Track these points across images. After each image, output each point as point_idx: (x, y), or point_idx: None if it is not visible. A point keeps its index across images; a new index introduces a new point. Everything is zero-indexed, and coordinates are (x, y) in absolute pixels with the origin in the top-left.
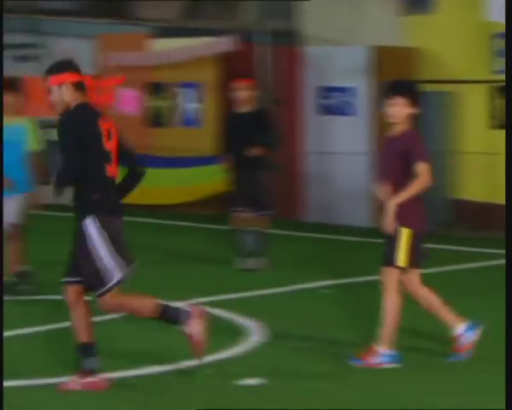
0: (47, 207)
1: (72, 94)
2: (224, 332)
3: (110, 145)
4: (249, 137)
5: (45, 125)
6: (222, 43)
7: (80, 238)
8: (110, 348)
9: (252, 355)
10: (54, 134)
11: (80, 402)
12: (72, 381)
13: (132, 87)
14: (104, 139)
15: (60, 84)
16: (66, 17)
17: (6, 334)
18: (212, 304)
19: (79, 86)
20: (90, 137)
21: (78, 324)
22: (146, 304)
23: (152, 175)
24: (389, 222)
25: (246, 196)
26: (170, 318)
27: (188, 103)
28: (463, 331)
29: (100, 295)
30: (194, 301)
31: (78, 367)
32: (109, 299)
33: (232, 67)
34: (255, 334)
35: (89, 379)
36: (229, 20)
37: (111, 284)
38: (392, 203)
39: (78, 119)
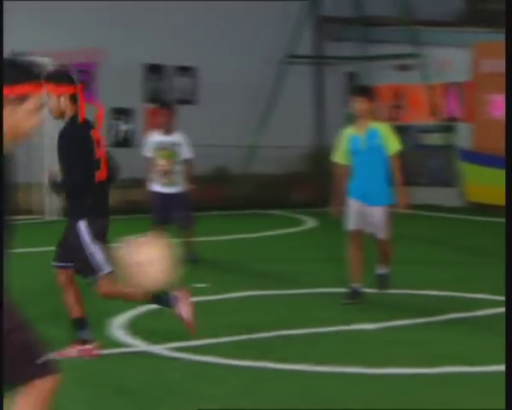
0: (414, 207)
1: (68, 105)
2: None
3: (99, 152)
4: None
5: (421, 130)
6: None
7: (74, 236)
8: None
9: None
10: (429, 138)
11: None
12: (69, 349)
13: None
14: (96, 148)
15: (59, 95)
16: (443, 27)
17: None
18: None
19: (74, 98)
20: (86, 147)
21: (71, 301)
22: (138, 291)
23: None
24: None
25: None
26: (162, 302)
27: None
28: None
29: (92, 280)
30: None
31: (74, 338)
32: (105, 286)
33: None
34: None
35: (83, 347)
36: None
37: (102, 273)
38: None
39: (77, 131)
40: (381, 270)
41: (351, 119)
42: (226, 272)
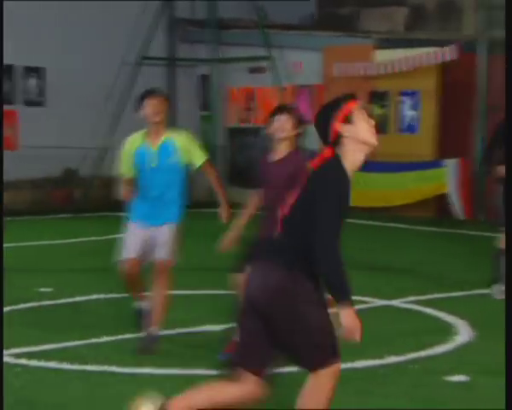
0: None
1: None
2: (432, 330)
3: None
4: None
5: None
6: (443, 54)
7: None
8: None
9: (459, 353)
10: None
11: None
12: None
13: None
14: None
15: None
16: (295, 31)
17: None
18: (422, 303)
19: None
20: None
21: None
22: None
23: (372, 179)
24: None
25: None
26: None
27: (406, 111)
28: None
29: None
30: (406, 299)
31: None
32: None
33: (452, 77)
34: (463, 332)
35: None
36: (451, 31)
37: None
38: None
39: None
40: (143, 305)
41: (206, 119)
42: (69, 275)
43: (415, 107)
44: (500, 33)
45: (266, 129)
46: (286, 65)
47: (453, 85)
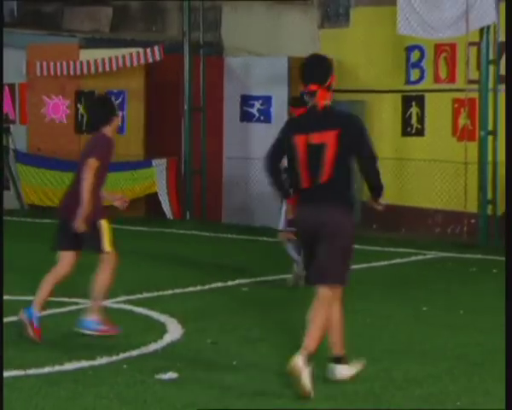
0: None
1: None
2: (144, 329)
3: None
4: None
5: None
6: (149, 54)
7: None
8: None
9: (169, 350)
10: None
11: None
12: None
13: (61, 95)
14: None
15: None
16: None
17: None
18: (133, 302)
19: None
20: None
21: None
22: None
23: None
24: None
25: None
26: None
27: None
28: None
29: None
30: (117, 299)
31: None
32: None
33: (158, 77)
34: (173, 330)
35: None
36: (156, 32)
37: None
38: None
39: None
40: None
41: None
42: None
43: (121, 107)
44: (206, 35)
45: None
46: None
47: (159, 86)
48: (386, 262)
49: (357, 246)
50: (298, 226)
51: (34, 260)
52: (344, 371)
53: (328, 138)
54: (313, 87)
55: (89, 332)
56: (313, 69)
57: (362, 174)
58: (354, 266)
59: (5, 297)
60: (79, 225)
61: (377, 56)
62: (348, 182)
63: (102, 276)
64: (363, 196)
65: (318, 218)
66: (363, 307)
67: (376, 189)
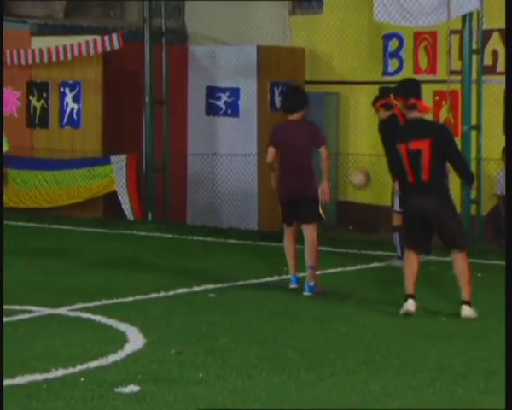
0: None
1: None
2: (102, 339)
3: None
4: None
5: None
6: (106, 42)
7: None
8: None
9: (130, 362)
10: None
11: None
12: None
13: (12, 87)
14: None
15: None
16: None
17: None
18: (91, 310)
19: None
20: None
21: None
22: None
23: (31, 177)
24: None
25: None
26: None
27: (69, 103)
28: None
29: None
30: (73, 306)
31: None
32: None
33: (116, 67)
34: (134, 340)
35: None
36: (115, 18)
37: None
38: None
39: None
40: None
41: None
42: None
43: (77, 99)
44: (169, 23)
45: None
46: None
47: (118, 77)
48: (363, 266)
49: (331, 249)
50: (408, 211)
51: None
52: (468, 312)
53: (423, 146)
54: (414, 101)
55: None
56: (412, 87)
57: (455, 172)
58: (329, 270)
59: None
60: None
61: (352, 45)
62: (443, 178)
63: None
64: (339, 196)
65: (426, 207)
66: (338, 314)
67: (468, 180)
